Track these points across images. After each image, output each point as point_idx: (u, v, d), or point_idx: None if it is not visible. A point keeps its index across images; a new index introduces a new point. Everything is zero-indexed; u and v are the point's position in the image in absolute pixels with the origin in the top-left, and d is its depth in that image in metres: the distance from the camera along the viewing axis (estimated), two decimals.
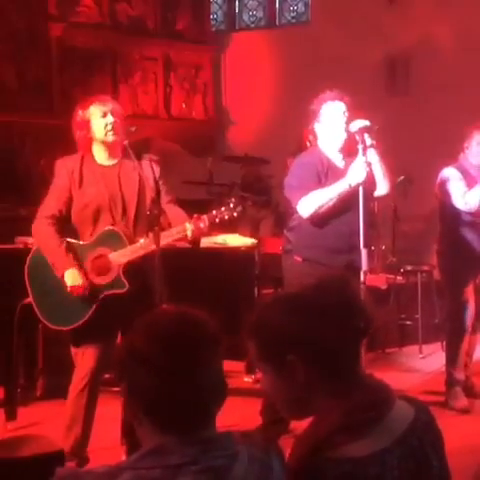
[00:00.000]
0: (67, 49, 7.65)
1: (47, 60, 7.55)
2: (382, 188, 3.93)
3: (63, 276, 3.44)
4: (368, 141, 3.70)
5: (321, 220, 3.82)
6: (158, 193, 3.27)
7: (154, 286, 3.25)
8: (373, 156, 3.78)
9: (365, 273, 3.62)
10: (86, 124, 3.50)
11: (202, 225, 3.43)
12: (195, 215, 3.45)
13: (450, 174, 4.62)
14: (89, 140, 3.53)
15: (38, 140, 7.32)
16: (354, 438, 1.32)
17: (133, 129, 3.48)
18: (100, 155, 3.56)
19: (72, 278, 3.42)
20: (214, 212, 3.48)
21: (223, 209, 3.49)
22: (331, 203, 3.76)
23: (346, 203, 3.76)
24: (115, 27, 8.08)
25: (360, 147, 3.68)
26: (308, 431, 1.38)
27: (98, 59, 7.93)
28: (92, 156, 3.56)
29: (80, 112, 3.53)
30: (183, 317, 1.43)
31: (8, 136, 7.32)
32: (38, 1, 7.57)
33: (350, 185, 3.70)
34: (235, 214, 3.51)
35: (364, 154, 3.67)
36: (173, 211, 3.55)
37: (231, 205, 3.51)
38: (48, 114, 7.27)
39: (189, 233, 3.42)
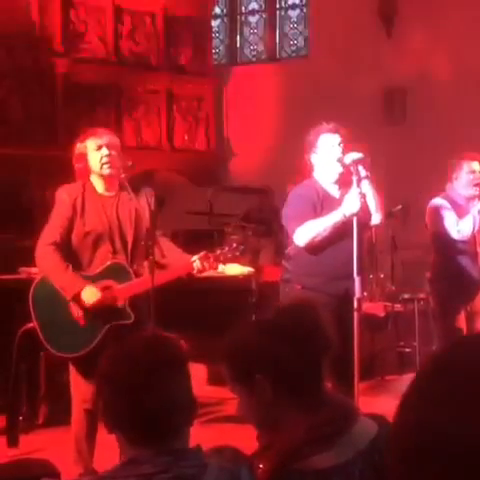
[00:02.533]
0: (72, 84, 7.83)
1: (52, 94, 7.73)
2: (375, 218, 4.02)
3: (75, 297, 3.47)
4: (362, 173, 3.79)
5: (317, 248, 3.89)
6: (154, 225, 3.40)
7: (147, 316, 3.38)
8: (367, 187, 3.89)
9: (359, 300, 3.71)
10: (83, 157, 3.61)
11: (208, 264, 3.58)
12: (203, 253, 3.59)
13: (439, 204, 4.73)
14: (87, 172, 3.63)
15: (42, 172, 7.46)
16: (318, 451, 1.42)
17: (130, 164, 3.59)
18: (99, 186, 3.67)
19: (89, 295, 3.47)
20: (219, 252, 3.63)
21: (227, 249, 3.65)
22: (326, 233, 3.83)
23: (342, 231, 3.85)
24: (119, 62, 8.27)
25: (354, 178, 3.78)
26: (276, 445, 1.48)
27: (102, 93, 8.10)
28: (92, 186, 3.67)
29: (78, 145, 3.64)
30: (150, 340, 1.56)
31: (13, 168, 7.47)
32: (44, 38, 7.77)
33: (344, 215, 3.78)
34: (237, 254, 3.69)
35: (358, 185, 3.78)
36: (166, 244, 3.70)
37: (234, 245, 3.67)
38: (52, 147, 7.42)
39: (196, 270, 3.59)
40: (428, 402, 0.73)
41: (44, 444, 4.35)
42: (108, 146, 3.59)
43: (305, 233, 3.85)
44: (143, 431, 1.45)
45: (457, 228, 4.59)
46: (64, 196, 3.62)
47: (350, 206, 3.76)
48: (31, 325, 3.67)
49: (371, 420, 1.54)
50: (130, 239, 3.62)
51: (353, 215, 3.73)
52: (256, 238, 6.86)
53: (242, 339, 1.55)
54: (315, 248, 3.89)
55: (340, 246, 3.85)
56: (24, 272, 4.62)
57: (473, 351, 0.75)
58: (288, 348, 1.49)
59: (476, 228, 4.59)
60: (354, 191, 3.77)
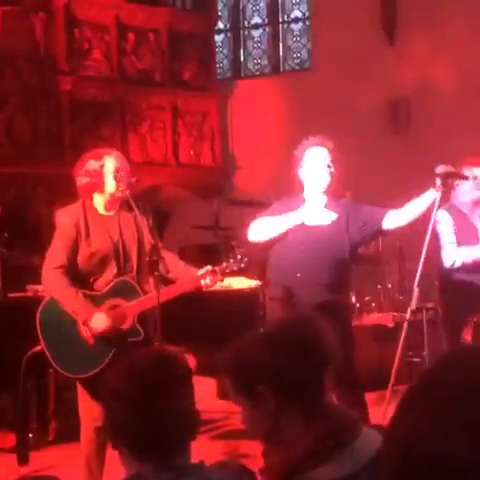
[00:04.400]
0: (77, 101, 7.90)
1: (58, 112, 7.79)
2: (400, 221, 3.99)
3: (86, 322, 3.50)
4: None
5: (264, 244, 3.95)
6: (156, 241, 3.44)
7: (155, 332, 3.40)
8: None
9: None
10: (97, 174, 3.61)
11: (214, 279, 3.62)
12: (208, 267, 3.62)
13: (441, 219, 4.61)
14: (94, 189, 3.64)
15: (50, 189, 7.52)
16: (321, 463, 1.42)
17: (133, 180, 3.63)
18: (100, 205, 3.69)
19: (97, 322, 3.50)
20: (224, 264, 3.66)
21: (232, 261, 3.68)
22: (276, 231, 3.86)
23: (315, 241, 3.89)
24: (123, 79, 8.33)
25: (439, 190, 3.73)
26: (278, 458, 1.48)
27: (107, 110, 8.16)
28: (92, 205, 3.68)
29: (92, 161, 3.63)
30: (156, 355, 1.57)
31: (21, 186, 7.53)
32: (49, 56, 7.85)
33: (303, 222, 3.82)
34: (242, 265, 3.70)
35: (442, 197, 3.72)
36: (170, 258, 3.72)
37: (238, 256, 3.68)
38: (59, 164, 7.46)
39: (203, 284, 3.62)
40: (420, 419, 0.74)
41: (55, 461, 4.36)
42: (124, 169, 3.65)
43: (256, 228, 3.93)
44: (148, 446, 1.47)
45: (452, 257, 4.46)
46: (65, 217, 3.64)
47: (315, 218, 3.80)
48: (39, 348, 3.67)
49: (375, 431, 1.55)
50: (134, 257, 3.66)
51: (319, 228, 3.76)
52: (263, 250, 6.86)
53: (244, 352, 1.56)
54: (292, 248, 3.89)
55: (313, 256, 3.85)
56: (32, 290, 4.64)
57: (462, 365, 0.76)
58: (290, 360, 1.50)
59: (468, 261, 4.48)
60: (323, 211, 3.80)
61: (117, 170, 3.60)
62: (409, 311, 3.59)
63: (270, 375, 1.50)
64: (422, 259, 3.59)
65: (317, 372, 1.55)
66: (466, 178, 3.72)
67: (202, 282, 3.60)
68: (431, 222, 3.74)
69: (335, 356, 1.55)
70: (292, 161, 4.04)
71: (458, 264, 4.46)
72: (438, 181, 3.74)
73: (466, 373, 0.74)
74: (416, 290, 3.59)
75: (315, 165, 3.92)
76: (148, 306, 3.55)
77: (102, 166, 3.61)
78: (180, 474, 1.42)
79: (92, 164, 3.63)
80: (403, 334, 3.55)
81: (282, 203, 4.07)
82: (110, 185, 3.61)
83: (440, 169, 3.76)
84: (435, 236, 4.74)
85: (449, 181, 3.74)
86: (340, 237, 3.90)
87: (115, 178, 3.60)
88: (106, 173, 3.61)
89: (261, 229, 3.91)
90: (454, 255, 4.47)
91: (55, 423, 4.81)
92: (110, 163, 3.62)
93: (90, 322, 3.50)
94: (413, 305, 3.60)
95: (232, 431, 4.83)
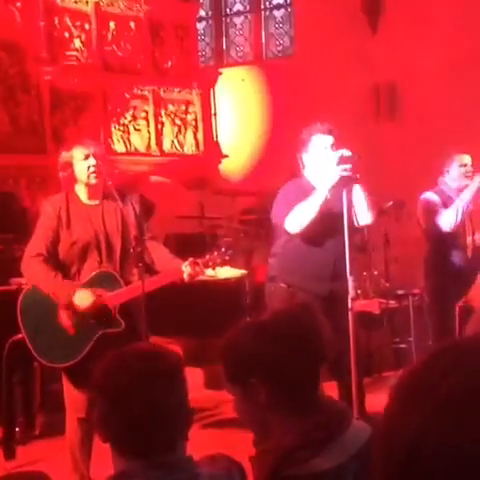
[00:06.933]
0: (58, 91, 7.80)
1: (39, 103, 7.69)
2: (366, 218, 3.98)
3: (69, 303, 3.48)
4: (347, 171, 3.75)
5: (310, 235, 3.87)
6: (141, 231, 3.40)
7: (140, 323, 3.37)
8: (357, 188, 3.85)
9: (353, 299, 3.71)
10: (69, 166, 3.64)
11: (198, 269, 3.59)
12: (191, 259, 3.59)
13: (428, 198, 4.78)
14: (72, 181, 3.66)
15: (32, 181, 7.44)
16: (311, 455, 1.41)
17: (116, 171, 3.61)
18: (83, 195, 3.69)
19: (81, 299, 3.48)
20: (207, 257, 3.63)
21: (216, 254, 3.65)
22: (314, 211, 3.78)
23: (329, 231, 3.85)
24: (104, 68, 8.24)
25: (339, 172, 3.74)
26: (269, 450, 1.47)
27: (89, 100, 8.07)
28: (76, 195, 3.69)
29: (63, 153, 3.68)
30: (144, 351, 1.53)
31: (2, 178, 7.44)
32: (29, 46, 7.75)
33: (327, 195, 3.75)
34: (227, 258, 3.67)
35: (348, 185, 3.73)
36: (157, 249, 3.69)
37: (222, 249, 3.66)
38: (41, 155, 7.39)
39: (186, 276, 3.57)
40: (427, 417, 0.71)
41: (42, 455, 4.34)
42: (94, 156, 3.63)
43: (295, 218, 3.82)
44: (137, 444, 1.44)
45: (439, 222, 4.63)
46: (48, 208, 3.66)
47: (329, 181, 3.73)
48: (20, 336, 3.66)
49: (365, 423, 1.53)
50: (118, 247, 3.64)
51: (338, 184, 3.68)
52: (249, 239, 6.85)
53: (238, 342, 1.54)
54: (308, 235, 3.86)
55: (325, 247, 3.86)
56: (15, 283, 4.60)
57: (451, 361, 0.74)
58: (284, 353, 1.48)
59: (459, 218, 4.57)
60: (331, 167, 3.72)
61: (86, 156, 3.59)
62: (349, 299, 3.59)
63: (264, 369, 1.48)
64: (347, 246, 3.60)
65: (311, 367, 1.53)
66: (354, 158, 3.73)
67: (184, 275, 3.58)
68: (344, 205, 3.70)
69: (330, 349, 1.53)
70: (296, 144, 4.01)
71: (447, 224, 4.55)
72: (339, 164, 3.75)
73: (466, 371, 0.72)
74: (350, 279, 3.59)
75: (321, 153, 3.88)
76: (129, 297, 3.52)
77: (71, 157, 3.63)
78: (169, 471, 1.39)
79: (64, 156, 3.67)
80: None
81: (293, 194, 3.96)
82: (80, 173, 3.62)
83: (336, 154, 3.77)
84: (422, 220, 4.79)
85: (346, 164, 3.74)
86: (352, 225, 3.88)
87: (84, 165, 3.60)
88: (75, 163, 3.62)
89: (300, 218, 3.81)
90: (451, 214, 4.57)
91: (41, 417, 4.79)
92: (78, 152, 3.63)
93: (74, 300, 3.47)
94: (351, 293, 3.60)
95: (220, 420, 4.83)
